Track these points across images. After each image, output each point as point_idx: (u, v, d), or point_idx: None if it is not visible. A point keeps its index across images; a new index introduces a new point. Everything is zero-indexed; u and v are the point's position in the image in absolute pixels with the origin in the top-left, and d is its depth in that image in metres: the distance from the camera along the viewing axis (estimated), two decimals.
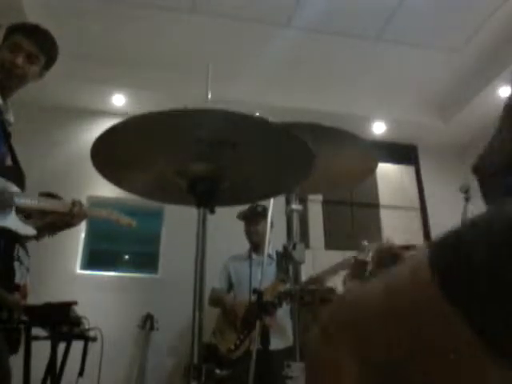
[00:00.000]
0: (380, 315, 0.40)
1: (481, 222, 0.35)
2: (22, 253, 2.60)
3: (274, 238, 3.10)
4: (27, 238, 1.73)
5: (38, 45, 1.73)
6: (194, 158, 1.18)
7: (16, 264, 2.47)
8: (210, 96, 1.74)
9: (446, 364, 0.36)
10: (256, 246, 3.13)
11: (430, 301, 0.35)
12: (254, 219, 3.12)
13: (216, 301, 3.10)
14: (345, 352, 0.42)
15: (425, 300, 0.36)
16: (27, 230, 1.68)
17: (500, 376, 0.35)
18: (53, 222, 1.75)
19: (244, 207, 3.15)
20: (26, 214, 1.68)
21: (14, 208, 1.63)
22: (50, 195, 2.20)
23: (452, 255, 0.35)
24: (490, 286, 0.32)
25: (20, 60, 1.69)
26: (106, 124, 1.07)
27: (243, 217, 3.19)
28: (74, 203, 1.78)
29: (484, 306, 0.32)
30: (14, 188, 1.65)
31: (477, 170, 0.58)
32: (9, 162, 1.71)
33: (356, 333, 0.42)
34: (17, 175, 1.69)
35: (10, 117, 1.76)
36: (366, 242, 2.18)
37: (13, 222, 1.62)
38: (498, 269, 0.31)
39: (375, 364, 0.40)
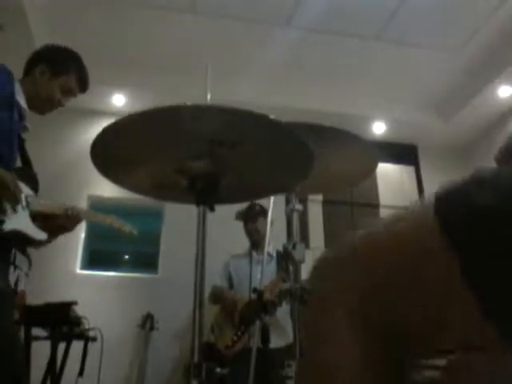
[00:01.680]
0: (386, 269, 0.40)
1: (490, 176, 0.35)
2: (19, 258, 2.58)
3: (274, 238, 3.11)
4: (39, 243, 1.71)
5: (84, 91, 1.92)
6: (193, 155, 1.18)
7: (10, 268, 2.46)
8: (209, 96, 1.74)
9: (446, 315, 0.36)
10: (256, 244, 3.13)
11: (434, 250, 0.35)
12: (252, 217, 3.12)
13: (216, 297, 3.10)
14: (347, 314, 0.42)
15: (429, 249, 0.36)
16: (40, 234, 1.67)
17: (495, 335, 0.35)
18: (51, 226, 1.74)
19: (242, 207, 3.15)
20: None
21: (28, 211, 1.62)
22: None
23: (459, 206, 0.35)
24: (497, 238, 0.32)
25: (66, 102, 1.86)
26: (105, 124, 1.07)
27: (241, 216, 3.19)
28: (69, 208, 1.77)
29: (486, 258, 0.32)
30: (28, 190, 1.65)
31: (498, 161, 0.59)
32: (19, 164, 1.71)
33: (359, 290, 0.41)
34: (29, 178, 1.69)
35: (28, 124, 1.79)
36: None
37: (27, 225, 1.62)
38: (508, 221, 0.31)
39: (378, 325, 0.40)
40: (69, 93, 1.85)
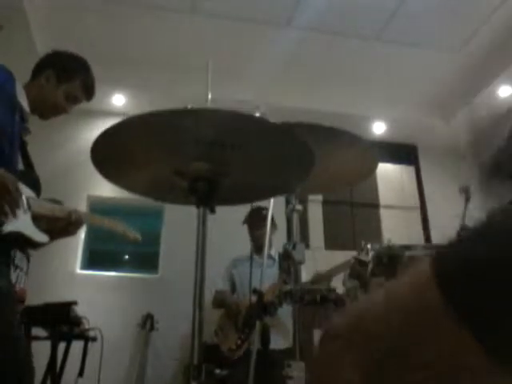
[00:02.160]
0: (382, 328, 0.40)
1: (486, 231, 0.35)
2: (18, 256, 2.58)
3: (275, 239, 3.11)
4: (40, 244, 1.71)
5: (89, 99, 1.90)
6: (194, 157, 1.18)
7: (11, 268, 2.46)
8: (209, 96, 1.74)
9: (449, 377, 0.36)
10: (260, 248, 3.12)
11: (433, 314, 0.35)
12: (258, 223, 3.11)
13: (220, 302, 3.11)
14: (349, 363, 0.42)
15: (428, 313, 0.35)
16: (41, 236, 1.66)
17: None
18: (53, 229, 1.74)
19: (244, 208, 3.15)
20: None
21: (30, 213, 1.62)
22: (54, 201, 2.19)
23: (456, 266, 0.34)
24: (496, 298, 0.32)
25: (70, 109, 1.85)
26: (105, 124, 1.07)
27: (247, 221, 3.19)
28: (72, 211, 1.76)
29: (490, 319, 0.32)
30: (30, 193, 1.65)
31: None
32: (21, 167, 1.71)
33: (359, 345, 0.41)
34: (31, 181, 1.69)
35: (29, 126, 1.79)
36: (364, 242, 2.17)
37: (28, 227, 1.61)
38: (505, 281, 0.31)
39: (378, 375, 0.40)
40: (74, 100, 1.84)
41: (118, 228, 1.96)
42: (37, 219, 1.65)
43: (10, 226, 1.51)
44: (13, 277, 2.48)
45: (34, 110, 1.79)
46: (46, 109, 1.81)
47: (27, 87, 1.78)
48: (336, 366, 0.43)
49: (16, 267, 2.56)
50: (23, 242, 1.65)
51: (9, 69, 1.70)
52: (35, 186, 1.70)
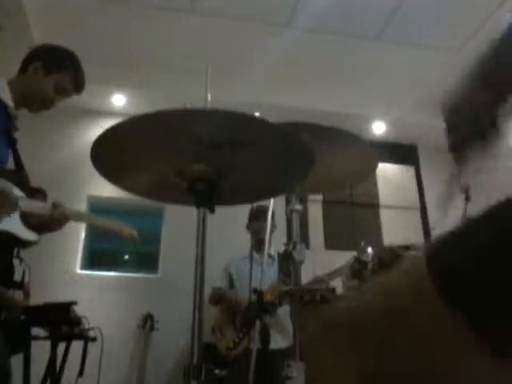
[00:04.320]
0: (377, 319, 0.40)
1: (479, 223, 0.35)
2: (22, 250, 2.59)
3: (275, 239, 3.11)
4: (29, 243, 1.71)
5: (79, 92, 1.88)
6: (193, 157, 1.18)
7: (15, 261, 2.46)
8: (209, 96, 1.74)
9: (444, 365, 0.36)
10: (260, 243, 3.12)
11: (427, 304, 0.35)
12: (261, 216, 3.11)
13: (217, 298, 3.09)
14: (344, 354, 0.42)
15: (422, 303, 0.36)
16: (29, 235, 1.66)
17: (499, 377, 0.35)
18: (36, 224, 1.71)
19: (244, 208, 3.14)
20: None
21: (19, 212, 1.63)
22: (39, 191, 2.14)
23: (450, 257, 0.35)
24: (489, 288, 0.32)
25: (59, 101, 1.82)
26: (105, 124, 1.07)
27: (250, 214, 3.19)
28: (55, 206, 1.72)
29: (483, 308, 0.32)
30: (19, 192, 1.65)
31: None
32: (12, 166, 1.71)
33: (354, 336, 0.42)
34: (20, 180, 1.69)
35: (17, 124, 1.77)
36: (363, 243, 2.18)
37: (16, 226, 1.61)
38: (497, 271, 0.31)
39: (374, 367, 0.40)
40: (63, 92, 1.81)
41: (114, 226, 1.96)
42: (25, 217, 1.65)
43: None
44: (18, 270, 2.48)
45: (23, 104, 1.77)
46: (35, 101, 1.78)
47: (13, 82, 1.76)
48: (336, 357, 0.43)
49: (21, 260, 2.56)
50: (13, 242, 1.65)
51: None
52: (24, 184, 1.70)
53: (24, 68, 1.81)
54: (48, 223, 1.72)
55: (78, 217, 2.01)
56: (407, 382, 0.38)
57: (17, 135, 1.77)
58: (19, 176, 1.71)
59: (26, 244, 1.70)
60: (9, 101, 1.70)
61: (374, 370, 0.40)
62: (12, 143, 1.73)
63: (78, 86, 1.86)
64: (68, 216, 1.76)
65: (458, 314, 0.33)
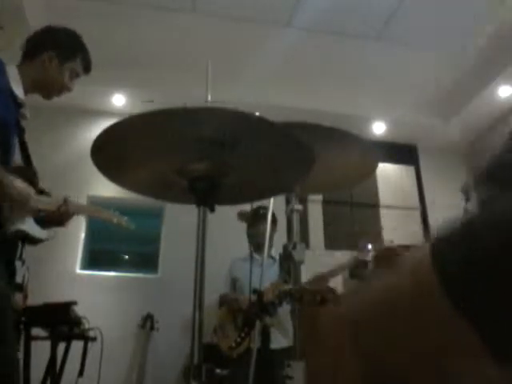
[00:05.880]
0: (379, 318, 0.40)
1: (486, 219, 0.35)
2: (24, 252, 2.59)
3: (276, 239, 3.11)
4: (40, 241, 1.74)
5: (88, 73, 1.96)
6: (194, 156, 1.18)
7: (18, 264, 2.46)
8: (209, 96, 1.74)
9: (447, 366, 0.36)
10: (259, 246, 3.12)
11: (431, 301, 0.35)
12: (255, 222, 3.11)
13: (223, 302, 3.13)
14: (344, 353, 0.42)
15: (426, 300, 0.35)
16: (41, 233, 1.70)
17: (502, 379, 0.35)
18: (46, 219, 1.76)
19: (244, 207, 3.14)
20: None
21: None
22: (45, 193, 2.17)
23: (455, 252, 0.34)
24: (496, 286, 0.31)
25: (73, 86, 1.91)
26: (105, 124, 1.07)
27: (244, 218, 3.18)
28: (65, 201, 1.78)
29: (489, 308, 0.32)
30: (31, 190, 1.66)
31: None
32: (19, 160, 1.72)
33: (355, 335, 0.41)
34: (29, 176, 1.70)
35: (27, 112, 1.80)
36: (363, 242, 2.18)
37: (30, 225, 1.65)
38: (505, 267, 0.31)
39: (376, 364, 0.40)
40: (76, 77, 1.90)
41: (111, 217, 2.01)
42: (34, 214, 1.67)
43: (15, 226, 1.54)
44: (20, 272, 2.49)
45: (37, 90, 1.82)
46: (52, 89, 1.85)
47: (24, 68, 1.78)
48: (337, 356, 0.43)
49: (23, 262, 2.56)
50: (25, 240, 1.67)
51: None
52: (33, 181, 1.71)
53: (34, 54, 1.83)
54: (57, 218, 1.77)
55: (80, 209, 2.06)
56: (409, 382, 0.38)
57: (24, 123, 1.79)
58: (29, 173, 1.72)
59: (37, 242, 1.73)
60: (18, 88, 1.72)
61: (374, 369, 0.40)
62: (20, 133, 1.74)
63: (88, 67, 1.93)
64: (74, 209, 1.82)
65: (465, 315, 0.33)
